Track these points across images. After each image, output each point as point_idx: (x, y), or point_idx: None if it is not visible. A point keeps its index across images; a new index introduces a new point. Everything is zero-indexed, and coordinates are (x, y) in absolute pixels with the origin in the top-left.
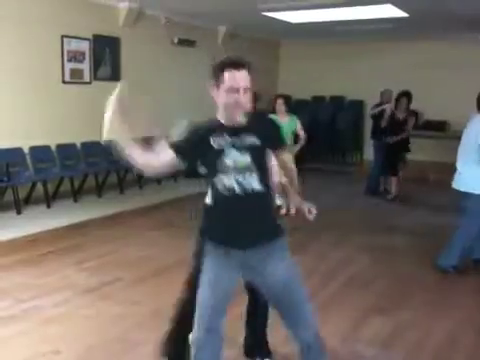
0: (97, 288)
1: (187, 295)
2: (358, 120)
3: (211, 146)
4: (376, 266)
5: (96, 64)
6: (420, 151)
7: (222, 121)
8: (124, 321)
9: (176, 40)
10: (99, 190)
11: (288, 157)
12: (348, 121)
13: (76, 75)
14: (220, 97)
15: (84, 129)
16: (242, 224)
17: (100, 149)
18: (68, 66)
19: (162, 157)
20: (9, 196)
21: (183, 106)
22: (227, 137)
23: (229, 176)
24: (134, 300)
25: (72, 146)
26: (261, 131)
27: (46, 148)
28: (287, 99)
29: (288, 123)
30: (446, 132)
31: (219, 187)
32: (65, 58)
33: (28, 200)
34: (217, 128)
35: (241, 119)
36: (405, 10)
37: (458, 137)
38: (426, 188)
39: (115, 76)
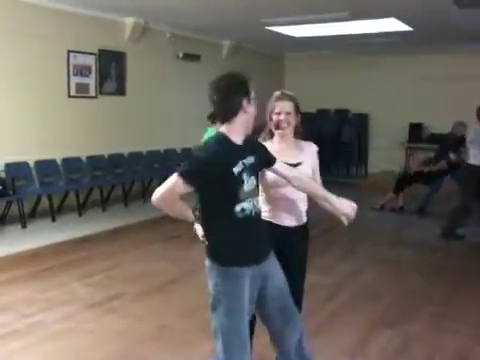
0: (101, 303)
1: None
2: (362, 133)
3: (231, 174)
4: (383, 279)
5: (102, 78)
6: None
7: (232, 138)
8: (128, 336)
9: (181, 54)
10: (104, 204)
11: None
12: (352, 134)
13: (82, 89)
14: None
15: (89, 143)
16: (255, 242)
17: (105, 163)
18: (74, 80)
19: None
20: (14, 210)
21: (188, 120)
22: (241, 160)
23: (245, 201)
24: (138, 315)
25: (77, 160)
26: (254, 150)
27: (51, 162)
28: None
29: None
30: None
31: (234, 210)
32: (71, 72)
33: (33, 214)
34: (230, 149)
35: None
36: (409, 24)
37: None
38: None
39: (121, 90)
